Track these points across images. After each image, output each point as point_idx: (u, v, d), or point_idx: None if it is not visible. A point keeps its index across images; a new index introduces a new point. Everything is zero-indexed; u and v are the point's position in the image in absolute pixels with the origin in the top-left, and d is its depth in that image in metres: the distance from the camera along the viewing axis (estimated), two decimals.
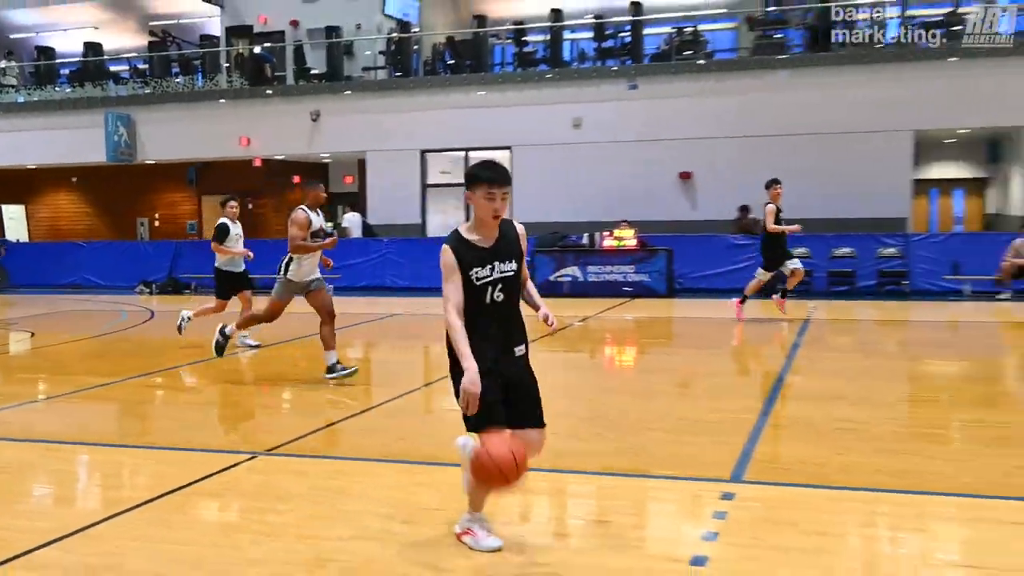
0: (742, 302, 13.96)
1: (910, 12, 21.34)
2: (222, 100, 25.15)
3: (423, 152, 23.54)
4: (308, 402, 8.98)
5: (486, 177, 4.31)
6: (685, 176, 20.93)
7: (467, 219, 4.80)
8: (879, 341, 13.25)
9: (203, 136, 25.07)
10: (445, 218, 24.29)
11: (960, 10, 20.86)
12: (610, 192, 20.59)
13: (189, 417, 8.15)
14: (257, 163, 25.80)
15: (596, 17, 23.47)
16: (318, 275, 9.47)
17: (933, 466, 6.11)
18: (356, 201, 26.25)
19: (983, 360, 11.34)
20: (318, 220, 9.25)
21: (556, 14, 23.53)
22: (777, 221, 13.42)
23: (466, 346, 4.25)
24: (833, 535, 4.79)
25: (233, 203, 12.29)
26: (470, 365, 4.20)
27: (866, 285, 18.15)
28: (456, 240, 4.36)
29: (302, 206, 9.21)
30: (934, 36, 20.27)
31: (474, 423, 4.31)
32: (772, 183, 13.58)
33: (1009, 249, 17.19)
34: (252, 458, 6.42)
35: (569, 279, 18.80)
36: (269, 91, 24.76)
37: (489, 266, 4.30)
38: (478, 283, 4.31)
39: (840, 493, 5.50)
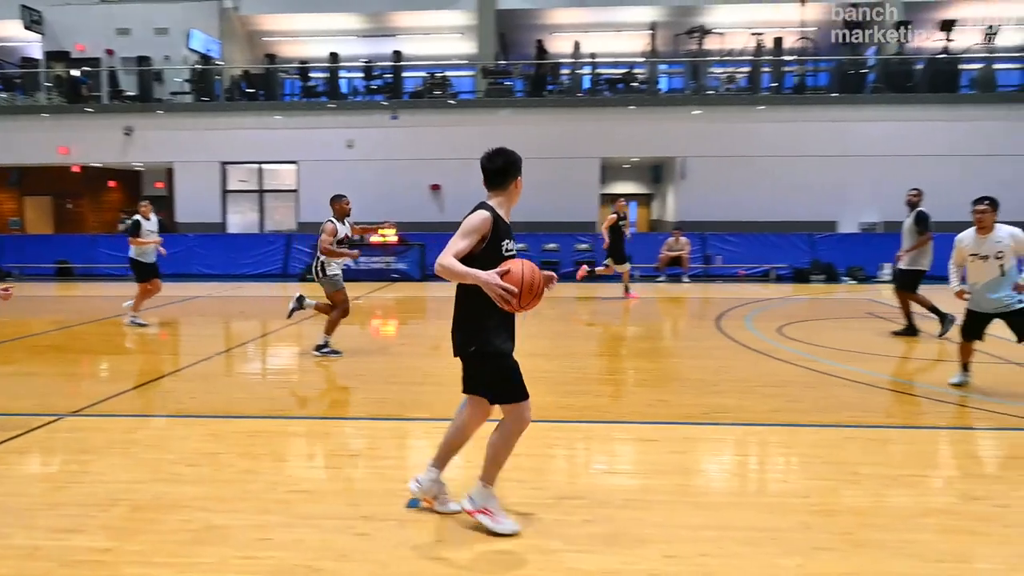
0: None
1: (599, 71, 22.51)
2: (44, 115, 22.66)
3: (223, 164, 22.30)
4: (114, 370, 8.36)
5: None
6: (435, 188, 21.08)
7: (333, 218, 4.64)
8: (574, 311, 13.93)
9: (26, 145, 22.49)
10: (242, 218, 23.19)
11: (634, 71, 22.24)
12: (378, 199, 20.41)
13: (3, 386, 7.36)
14: (76, 169, 23.48)
15: (366, 61, 23.10)
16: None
17: (599, 402, 6.56)
18: (162, 204, 24.50)
19: (645, 324, 12.22)
20: (344, 228, 8.52)
21: (334, 57, 22.96)
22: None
23: (467, 269, 3.57)
24: (523, 455, 5.05)
25: (145, 203, 11.27)
26: (480, 274, 3.53)
27: (567, 271, 19.05)
28: (493, 211, 3.79)
29: (331, 217, 8.46)
30: (615, 90, 21.58)
31: (518, 393, 3.80)
32: None
33: (664, 245, 18.59)
34: (58, 419, 5.92)
35: (345, 267, 18.44)
36: (88, 108, 22.58)
37: (512, 241, 3.82)
38: (506, 255, 3.73)
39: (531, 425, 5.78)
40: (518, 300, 3.53)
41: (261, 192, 22.95)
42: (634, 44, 23.53)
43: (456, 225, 3.77)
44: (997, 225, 6.52)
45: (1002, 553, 3.62)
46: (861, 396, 6.65)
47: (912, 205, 10.06)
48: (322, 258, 8.48)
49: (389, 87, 22.50)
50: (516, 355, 3.86)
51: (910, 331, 9.84)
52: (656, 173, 24.86)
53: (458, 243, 3.67)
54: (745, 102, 20.79)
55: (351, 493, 4.39)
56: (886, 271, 18.14)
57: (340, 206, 8.56)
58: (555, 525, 3.94)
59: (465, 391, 3.95)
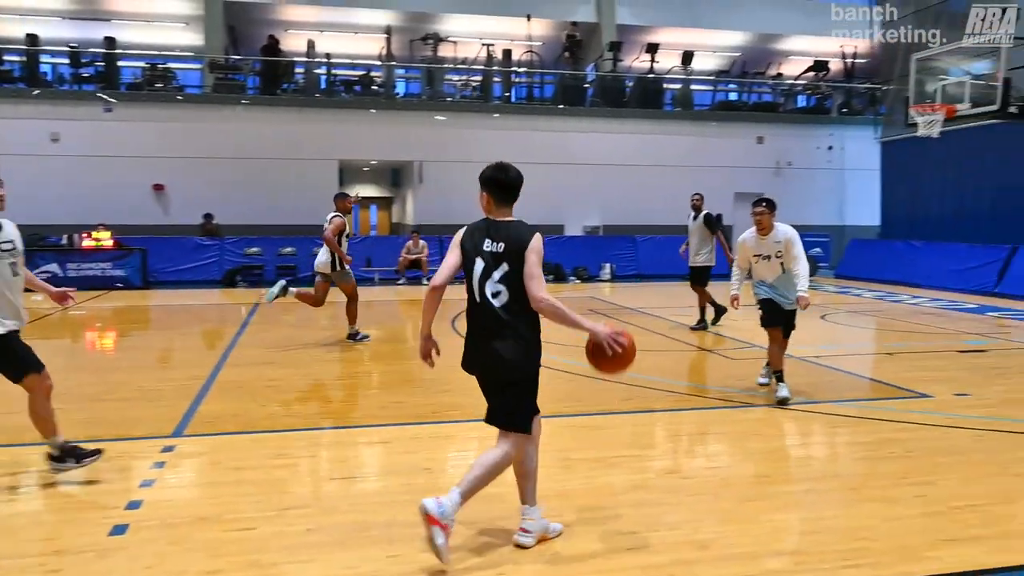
0: None
1: (336, 72, 22.21)
2: None
3: None
4: None
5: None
6: (158, 188, 19.56)
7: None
8: (312, 318, 13.61)
9: None
10: None
11: (371, 74, 22.23)
12: (91, 199, 18.52)
13: None
14: None
15: (73, 46, 20.83)
16: None
17: (332, 408, 6.48)
18: None
19: (384, 328, 12.25)
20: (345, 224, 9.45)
21: (32, 39, 20.45)
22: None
23: (579, 318, 3.57)
24: (249, 468, 4.87)
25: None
26: (592, 325, 3.58)
27: (304, 275, 18.57)
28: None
29: (338, 212, 9.50)
30: (353, 91, 21.44)
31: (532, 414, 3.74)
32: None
33: (404, 248, 18.78)
34: None
35: (49, 275, 16.55)
36: None
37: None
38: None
39: (260, 436, 5.60)
40: (622, 361, 3.59)
41: None
42: (370, 47, 23.51)
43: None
44: (776, 225, 6.58)
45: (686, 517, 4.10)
46: (576, 387, 7.17)
47: (697, 209, 11.01)
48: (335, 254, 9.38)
49: (102, 76, 20.50)
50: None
51: (702, 325, 10.84)
52: (396, 177, 25.04)
53: (541, 273, 3.64)
54: (479, 110, 21.60)
55: (38, 527, 3.95)
56: (606, 271, 19.78)
57: (344, 203, 9.64)
58: (274, 537, 3.83)
59: (506, 425, 3.73)
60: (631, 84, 23.28)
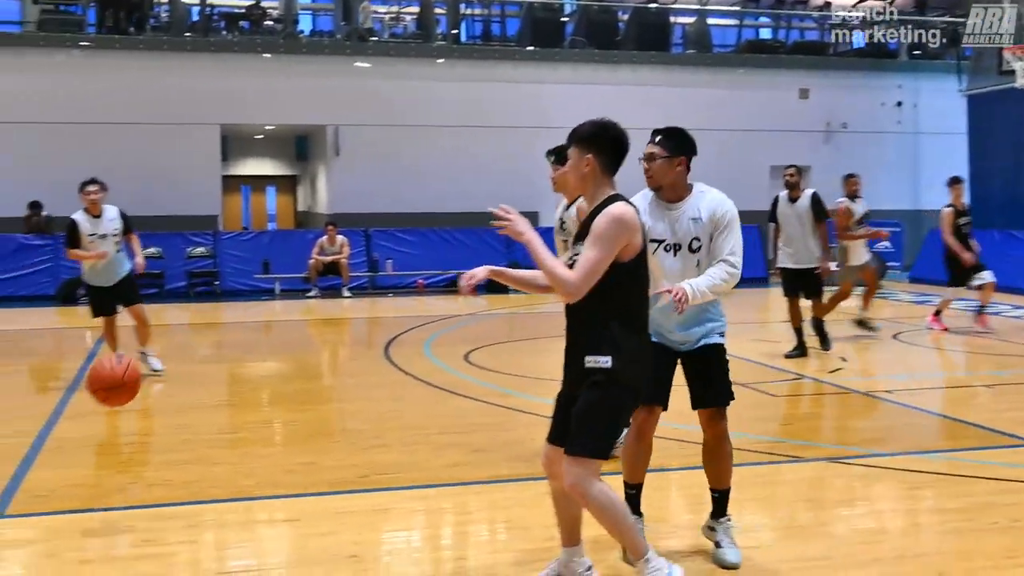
0: None
1: (213, 2, 22.07)
2: None
3: None
4: None
5: None
6: None
7: None
8: (188, 344, 13.50)
9: None
10: None
11: (263, 4, 22.12)
12: None
13: None
14: None
15: None
16: None
17: (214, 473, 6.42)
18: None
19: (289, 359, 12.18)
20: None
21: None
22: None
23: None
24: (100, 561, 4.80)
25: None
26: None
27: (176, 287, 18.40)
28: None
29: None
30: (239, 30, 21.33)
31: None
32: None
33: (315, 246, 18.70)
34: None
35: None
36: None
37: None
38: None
39: (115, 514, 5.52)
40: None
41: None
42: None
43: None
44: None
45: None
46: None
47: (794, 187, 10.92)
48: None
49: None
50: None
51: (798, 352, 10.81)
52: (302, 148, 24.93)
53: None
54: (417, 54, 21.60)
55: None
56: None
57: None
58: None
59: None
60: (626, 17, 23.49)
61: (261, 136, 24.31)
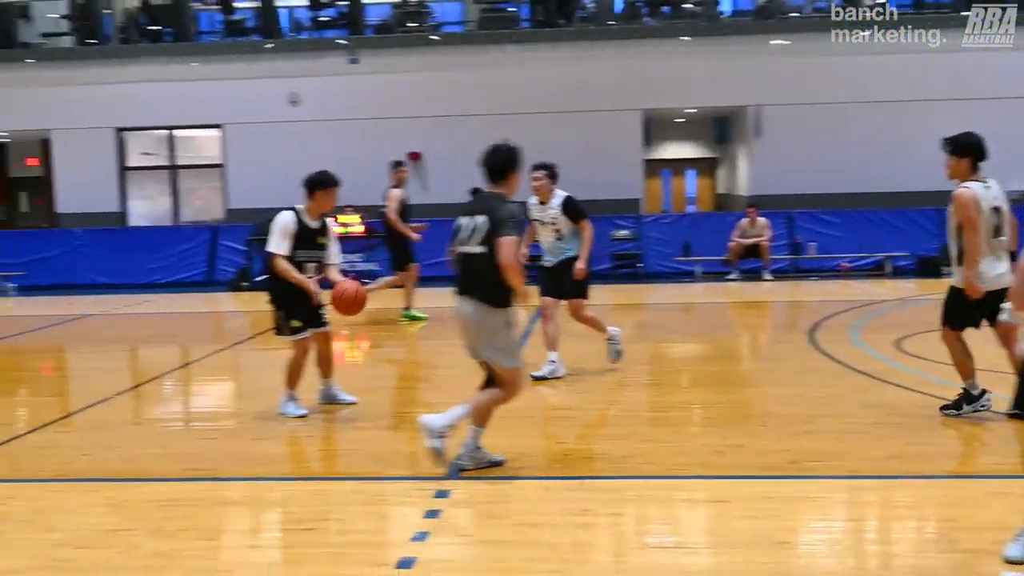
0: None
1: None
2: None
3: (119, 130, 22.48)
4: None
5: None
6: (414, 156, 21.14)
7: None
8: (614, 325, 13.95)
9: None
10: (149, 206, 23.33)
11: None
12: (335, 173, 20.52)
13: None
14: None
15: None
16: None
17: (647, 450, 6.61)
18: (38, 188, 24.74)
19: (711, 341, 12.26)
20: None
21: None
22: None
23: None
24: (543, 525, 5.11)
25: None
26: None
27: (600, 268, 19.10)
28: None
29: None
30: (660, 14, 21.69)
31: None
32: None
33: (736, 229, 18.63)
34: None
35: None
36: None
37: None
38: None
39: (554, 483, 5.86)
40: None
41: (173, 168, 23.12)
42: None
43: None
44: None
45: None
46: (1008, 435, 6.70)
47: None
48: None
49: (345, 19, 22.65)
50: None
51: None
52: (721, 130, 24.90)
53: None
54: (842, 26, 20.76)
55: None
56: None
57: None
58: None
59: None
60: None
61: (682, 119, 24.57)
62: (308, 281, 7.35)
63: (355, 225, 18.70)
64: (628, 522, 5.35)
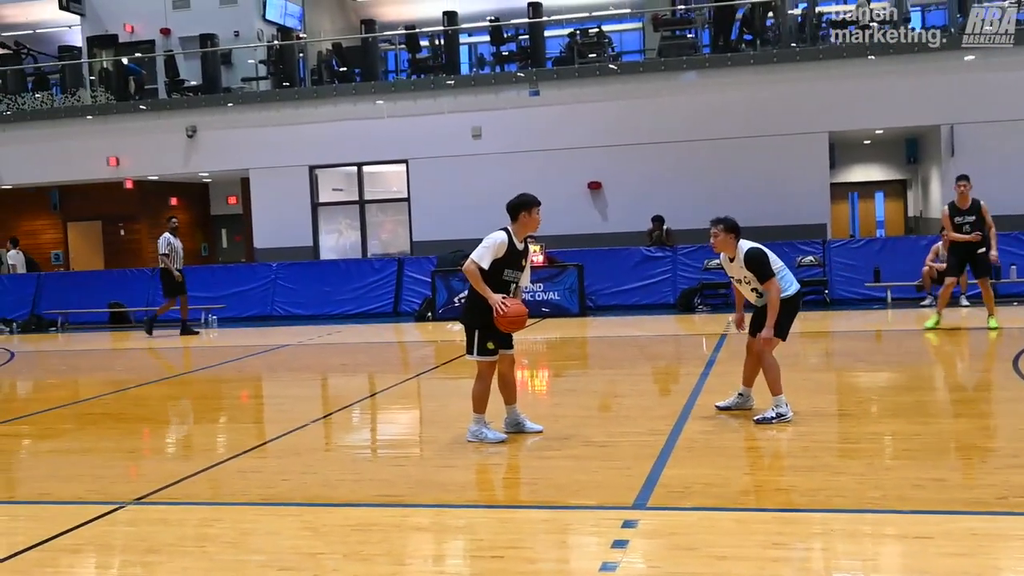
0: None
1: (820, 8, 22.10)
2: (88, 117, 24.67)
3: (312, 168, 23.48)
4: (185, 445, 8.92)
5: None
6: (594, 186, 21.26)
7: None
8: (799, 353, 13.61)
9: (66, 156, 24.54)
10: (340, 239, 24.24)
11: (873, 5, 21.68)
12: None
13: (51, 466, 7.99)
14: (128, 185, 25.39)
15: (493, 20, 23.75)
16: None
17: (839, 482, 6.38)
18: (238, 225, 26.07)
19: (901, 369, 11.79)
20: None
21: (450, 17, 23.75)
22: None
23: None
24: (735, 559, 4.99)
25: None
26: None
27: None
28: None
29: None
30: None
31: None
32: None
33: (930, 252, 17.87)
34: (118, 509, 6.37)
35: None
36: (143, 106, 24.43)
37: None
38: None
39: (745, 515, 5.73)
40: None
41: (362, 203, 23.95)
42: None
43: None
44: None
45: None
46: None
47: None
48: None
49: (525, 52, 23.01)
50: None
51: None
52: (911, 151, 24.04)
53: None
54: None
55: None
56: None
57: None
58: None
59: None
60: None
61: (869, 141, 23.85)
62: (495, 297, 7.44)
63: (536, 255, 18.89)
64: (823, 556, 5.17)
